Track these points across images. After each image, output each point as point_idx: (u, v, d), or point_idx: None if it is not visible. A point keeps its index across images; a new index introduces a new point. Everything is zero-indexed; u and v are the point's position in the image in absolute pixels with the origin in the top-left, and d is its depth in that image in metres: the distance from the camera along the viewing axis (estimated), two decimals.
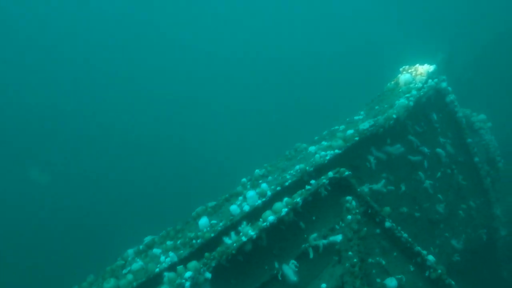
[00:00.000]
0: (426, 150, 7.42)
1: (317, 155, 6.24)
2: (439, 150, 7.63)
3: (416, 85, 7.43)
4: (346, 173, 5.79)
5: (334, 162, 6.19)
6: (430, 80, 7.58)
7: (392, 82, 7.94)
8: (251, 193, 5.75)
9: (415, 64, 8.12)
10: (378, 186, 6.73)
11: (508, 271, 9.45)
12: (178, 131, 24.95)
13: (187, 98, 27.82)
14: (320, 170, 6.08)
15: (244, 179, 6.54)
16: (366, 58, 21.02)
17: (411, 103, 7.04)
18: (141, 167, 22.82)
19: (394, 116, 6.73)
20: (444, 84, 7.76)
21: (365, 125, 6.58)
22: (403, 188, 7.08)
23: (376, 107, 7.45)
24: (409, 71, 7.93)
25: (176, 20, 32.74)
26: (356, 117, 7.36)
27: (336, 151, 6.27)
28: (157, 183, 21.76)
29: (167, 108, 27.44)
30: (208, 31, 32.25)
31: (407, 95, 7.25)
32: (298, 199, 5.37)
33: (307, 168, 6.06)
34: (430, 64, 11.66)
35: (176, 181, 21.41)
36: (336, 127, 7.26)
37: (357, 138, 6.44)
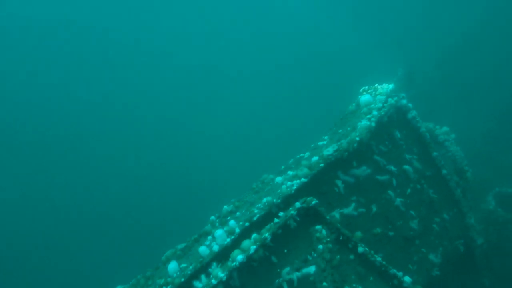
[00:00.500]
0: (393, 168, 7.41)
1: (283, 186, 6.16)
2: (406, 166, 7.63)
3: (377, 105, 7.45)
4: (314, 202, 5.71)
5: (302, 191, 6.12)
6: (390, 99, 7.62)
7: (354, 104, 7.96)
8: (219, 232, 5.61)
9: (374, 84, 8.17)
10: (349, 210, 6.67)
11: (489, 279, 9.43)
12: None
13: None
14: (288, 201, 6.00)
15: (212, 217, 6.41)
16: (327, 79, 21.06)
17: (373, 124, 7.05)
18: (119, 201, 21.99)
19: (357, 138, 6.72)
20: (404, 101, 7.82)
21: (329, 151, 6.55)
22: (374, 209, 7.03)
23: (340, 131, 7.44)
24: (369, 91, 7.98)
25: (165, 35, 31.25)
26: (320, 143, 7.33)
27: (302, 179, 6.20)
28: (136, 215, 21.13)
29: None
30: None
31: (368, 116, 7.26)
32: (267, 235, 5.26)
33: (275, 200, 5.97)
34: (389, 82, 11.82)
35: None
36: (302, 154, 7.21)
37: (322, 165, 6.39)
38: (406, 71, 13.68)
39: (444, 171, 8.21)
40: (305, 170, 6.25)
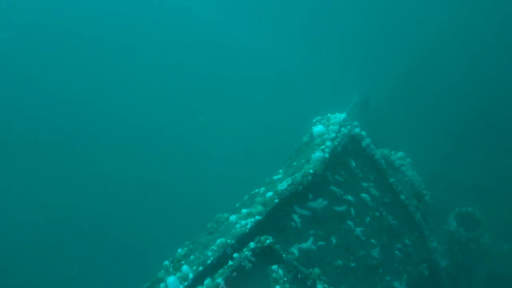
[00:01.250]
0: (350, 198, 7.31)
1: (237, 225, 5.95)
2: (364, 195, 7.54)
3: (330, 136, 7.38)
4: (268, 240, 5.51)
5: (257, 230, 5.92)
6: (343, 128, 7.58)
7: (307, 135, 7.87)
8: (171, 279, 5.34)
9: (327, 114, 8.13)
10: (308, 244, 6.50)
11: None
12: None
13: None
14: (242, 241, 5.78)
15: (166, 262, 6.12)
16: (283, 108, 20.97)
17: (327, 155, 6.95)
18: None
19: (311, 171, 6.60)
20: (357, 130, 7.78)
21: (283, 185, 6.40)
22: (334, 241, 6.88)
23: (294, 163, 7.32)
24: (322, 121, 7.92)
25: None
26: (275, 177, 7.18)
27: (257, 217, 6.01)
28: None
29: None
30: None
31: (322, 147, 7.18)
32: (220, 279, 5.00)
33: (229, 241, 5.74)
34: (345, 109, 11.89)
35: None
36: (256, 190, 7.04)
37: (276, 200, 6.23)
38: (361, 97, 13.80)
39: (402, 197, 8.15)
40: (259, 208, 6.07)
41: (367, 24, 20.31)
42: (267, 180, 7.26)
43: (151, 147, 23.65)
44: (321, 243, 6.65)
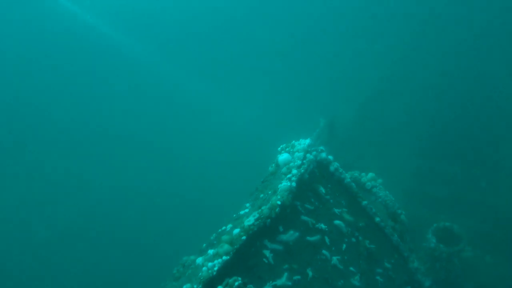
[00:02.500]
0: (323, 226, 6.96)
1: (204, 268, 5.50)
2: (337, 222, 7.20)
3: (296, 163, 7.07)
4: (237, 283, 5.08)
5: (225, 271, 5.48)
6: (308, 155, 7.28)
7: (273, 165, 7.54)
8: None
9: (291, 141, 7.84)
10: (282, 280, 6.07)
11: None
12: None
13: None
14: (210, 285, 5.33)
15: None
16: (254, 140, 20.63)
17: (294, 184, 6.62)
18: None
19: (279, 202, 6.25)
20: (323, 155, 7.51)
21: (250, 220, 6.01)
22: (310, 273, 6.47)
23: (261, 196, 6.95)
24: (287, 149, 7.61)
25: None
26: (242, 212, 6.78)
27: (224, 257, 5.58)
28: None
29: None
30: None
31: (288, 176, 6.85)
32: None
33: (195, 286, 5.28)
34: (312, 134, 11.60)
35: None
36: (223, 228, 6.62)
37: (244, 237, 5.82)
38: (328, 121, 13.63)
39: (377, 219, 7.85)
40: (226, 247, 5.65)
41: (330, 47, 20.43)
42: (234, 215, 6.86)
43: None
44: (296, 277, 6.24)
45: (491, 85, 14.78)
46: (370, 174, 8.42)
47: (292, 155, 7.38)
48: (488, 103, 14.36)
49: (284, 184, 6.56)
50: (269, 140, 8.18)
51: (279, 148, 7.90)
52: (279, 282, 6.01)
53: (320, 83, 19.57)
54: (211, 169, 20.01)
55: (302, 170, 6.92)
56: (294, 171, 6.88)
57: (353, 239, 7.37)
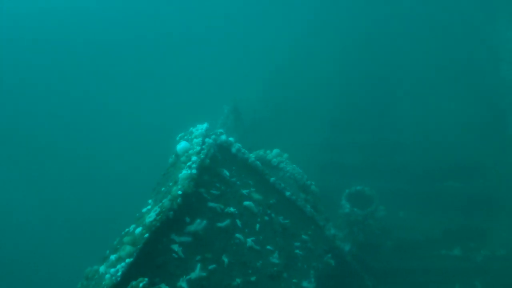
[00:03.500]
0: (233, 209, 6.76)
1: (107, 276, 5.07)
2: (247, 203, 7.04)
3: (195, 150, 6.78)
4: (142, 283, 4.72)
5: (130, 275, 5.09)
6: (207, 139, 7.03)
7: (173, 156, 7.20)
8: None
9: (189, 128, 7.54)
10: (196, 273, 5.79)
11: (370, 280, 9.21)
12: None
13: None
14: None
15: None
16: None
17: (194, 171, 6.34)
18: None
19: (180, 192, 5.94)
20: (223, 137, 7.30)
21: (151, 216, 5.65)
22: (226, 260, 6.25)
23: (163, 189, 6.60)
24: (185, 137, 7.30)
25: None
26: (144, 209, 6.39)
27: (127, 260, 5.18)
28: None
29: None
30: None
31: (188, 163, 6.55)
32: None
33: None
34: (217, 121, 11.29)
35: None
36: (127, 229, 6.19)
37: (146, 235, 5.46)
38: (232, 107, 13.48)
39: (287, 193, 7.80)
40: (128, 248, 5.26)
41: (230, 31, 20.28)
42: (137, 215, 6.45)
43: None
44: (212, 266, 5.99)
45: (391, 55, 15.43)
46: (275, 150, 8.35)
47: (191, 142, 7.09)
48: (390, 76, 14.94)
49: (184, 173, 6.26)
50: (172, 132, 7.80)
51: (177, 137, 7.57)
52: (193, 275, 5.73)
53: (221, 68, 19.39)
54: (115, 174, 19.10)
55: (202, 156, 6.66)
56: (194, 158, 6.60)
57: (266, 218, 7.25)
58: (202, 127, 7.23)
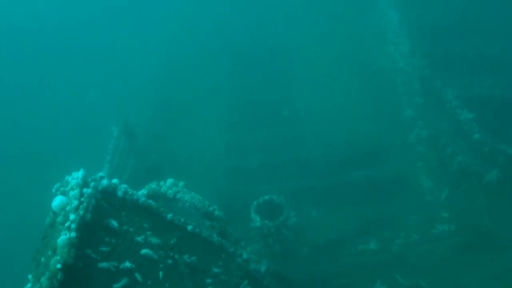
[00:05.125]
0: (129, 264, 6.11)
1: None
2: (144, 251, 6.40)
3: (73, 205, 5.99)
4: None
5: None
6: (85, 189, 6.26)
7: (50, 213, 6.35)
8: None
9: (65, 177, 6.70)
10: None
11: None
12: None
13: None
14: None
15: None
16: None
17: (73, 234, 5.58)
18: None
19: (59, 266, 5.18)
20: (105, 182, 6.57)
21: None
22: None
23: (42, 260, 5.77)
24: (61, 189, 6.46)
25: None
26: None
27: None
28: None
29: None
30: None
31: (67, 224, 5.77)
32: None
33: None
34: (107, 148, 10.37)
35: None
36: None
37: None
38: (122, 127, 12.58)
39: (189, 227, 7.28)
40: None
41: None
42: None
43: None
44: None
45: (281, 46, 15.33)
46: (169, 180, 7.77)
47: (68, 195, 6.28)
48: (282, 68, 14.84)
49: (63, 238, 5.49)
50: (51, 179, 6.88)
51: (53, 189, 6.70)
52: None
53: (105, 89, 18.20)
54: None
55: (82, 212, 5.91)
56: (72, 216, 5.82)
57: (169, 261, 6.69)
58: (78, 175, 6.44)
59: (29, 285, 5.59)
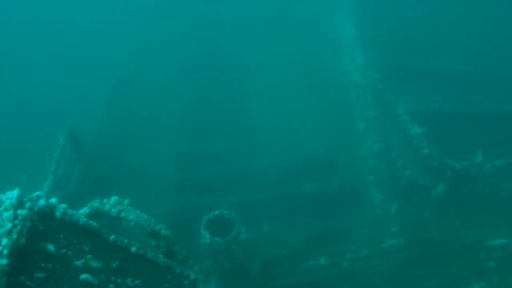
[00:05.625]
0: None
1: None
2: (83, 276, 6.14)
3: (6, 228, 5.68)
4: None
5: None
6: (20, 210, 5.94)
7: None
8: None
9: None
10: None
11: None
12: None
13: None
14: None
15: None
16: None
17: (5, 260, 5.28)
18: None
19: None
20: (42, 202, 6.26)
21: None
22: None
23: None
24: None
25: None
26: None
27: None
28: None
29: None
30: None
31: None
32: None
33: None
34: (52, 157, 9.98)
35: None
36: None
37: None
38: (67, 135, 12.12)
39: (133, 249, 7.04)
40: None
41: None
42: None
43: None
44: None
45: (236, 56, 15.23)
46: (113, 198, 7.50)
47: (1, 217, 5.95)
48: (237, 78, 14.75)
49: None
50: None
51: None
52: None
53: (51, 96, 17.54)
54: None
55: (15, 236, 5.60)
56: (4, 241, 5.51)
57: (111, 286, 6.44)
58: (12, 195, 6.11)
59: None
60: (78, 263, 6.23)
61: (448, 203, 10.40)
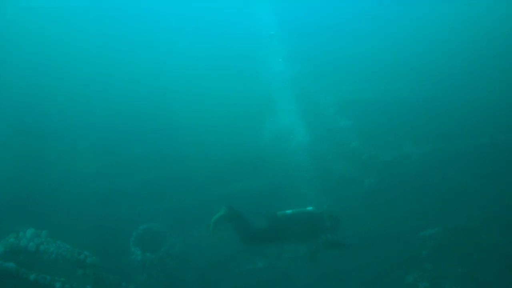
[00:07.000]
0: None
1: None
2: None
3: None
4: None
5: None
6: None
7: None
8: None
9: None
10: None
11: None
12: None
13: None
14: None
15: None
16: None
17: None
18: None
19: None
20: None
21: None
22: None
23: None
24: None
25: None
26: None
27: None
28: None
29: None
30: None
31: None
32: None
33: None
34: None
35: None
36: None
37: None
38: None
39: (57, 285, 6.68)
40: None
41: None
42: None
43: None
44: None
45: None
46: (30, 231, 7.08)
47: None
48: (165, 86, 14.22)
49: None
50: None
51: None
52: None
53: None
54: None
55: None
56: None
57: None
58: None
59: None
60: None
61: (379, 194, 10.68)
